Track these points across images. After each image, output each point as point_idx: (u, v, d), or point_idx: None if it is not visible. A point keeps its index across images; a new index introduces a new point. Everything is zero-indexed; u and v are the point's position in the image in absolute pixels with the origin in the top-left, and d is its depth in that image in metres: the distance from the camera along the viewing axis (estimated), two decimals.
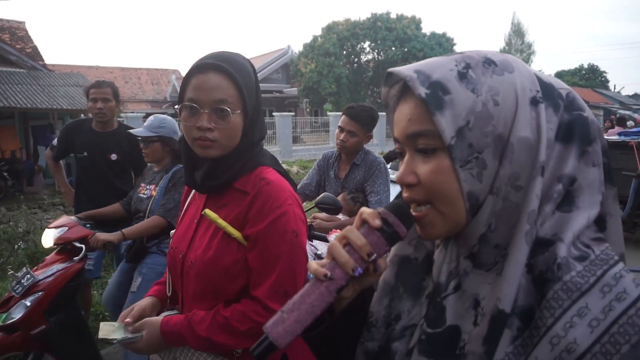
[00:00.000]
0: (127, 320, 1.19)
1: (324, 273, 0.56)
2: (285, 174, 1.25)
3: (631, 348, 0.46)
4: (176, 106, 1.16)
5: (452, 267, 0.61)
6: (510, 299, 0.52)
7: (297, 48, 27.46)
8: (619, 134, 6.77)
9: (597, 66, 42.71)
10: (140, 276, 2.38)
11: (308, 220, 2.45)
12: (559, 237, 0.54)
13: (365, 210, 0.60)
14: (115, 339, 1.16)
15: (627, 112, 25.79)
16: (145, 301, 1.30)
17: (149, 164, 2.73)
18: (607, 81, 42.39)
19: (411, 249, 0.69)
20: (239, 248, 1.14)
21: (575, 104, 0.58)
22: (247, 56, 1.22)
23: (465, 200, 0.56)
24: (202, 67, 1.10)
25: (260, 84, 1.26)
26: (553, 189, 0.55)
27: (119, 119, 3.30)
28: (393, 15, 25.31)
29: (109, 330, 1.20)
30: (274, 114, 17.67)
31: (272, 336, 0.55)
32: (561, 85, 0.59)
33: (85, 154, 3.03)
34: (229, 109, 1.10)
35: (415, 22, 25.08)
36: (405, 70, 0.58)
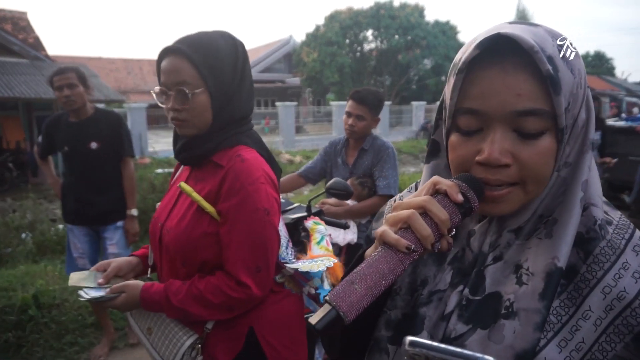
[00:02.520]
0: (100, 281, 1.24)
1: (407, 245, 0.52)
2: (269, 157, 1.27)
3: None
4: (156, 89, 1.22)
5: (493, 239, 0.62)
6: (567, 257, 0.55)
7: (300, 37, 27.31)
8: (626, 119, 6.74)
9: (603, 53, 42.24)
10: None
11: (317, 205, 2.46)
12: (590, 202, 0.59)
13: (441, 180, 0.56)
14: (93, 297, 1.18)
15: (634, 99, 25.53)
16: (123, 259, 1.33)
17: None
18: (614, 68, 41.90)
19: None
20: (210, 222, 1.17)
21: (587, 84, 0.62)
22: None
23: (551, 179, 0.58)
24: (164, 52, 1.17)
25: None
26: None
27: (119, 109, 3.18)
28: (396, 3, 25.06)
29: (79, 278, 1.25)
30: (276, 103, 17.59)
31: (341, 309, 0.50)
32: None
33: (66, 148, 2.77)
34: (187, 90, 1.14)
35: (419, 10, 24.81)
36: (527, 38, 0.52)
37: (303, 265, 1.32)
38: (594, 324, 0.54)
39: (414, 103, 21.06)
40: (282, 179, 2.68)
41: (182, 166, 1.38)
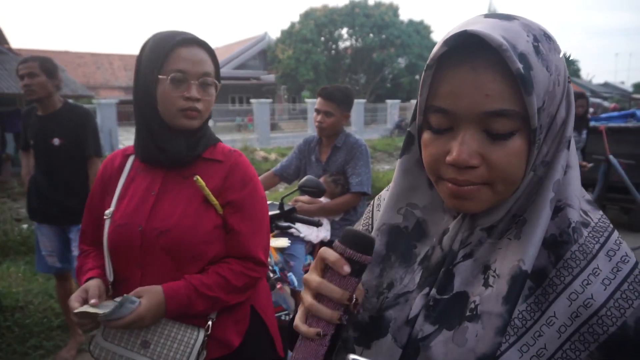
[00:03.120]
0: (93, 301, 1.09)
1: (316, 332, 0.56)
2: None
3: None
4: (160, 76, 1.14)
5: (464, 236, 0.61)
6: (532, 260, 0.54)
7: (275, 34, 27.15)
8: (591, 119, 6.98)
9: (569, 55, 43.64)
10: None
11: (290, 203, 2.45)
12: (566, 203, 0.57)
13: (326, 254, 0.57)
14: (111, 310, 1.02)
15: (598, 100, 26.52)
16: (92, 283, 1.15)
17: None
18: (579, 69, 43.40)
19: (400, 217, 0.67)
20: (216, 215, 1.21)
21: (569, 80, 0.61)
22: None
23: (523, 179, 0.56)
24: (188, 41, 1.17)
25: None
26: None
27: (88, 105, 3.00)
28: (371, 2, 25.22)
29: (80, 311, 1.06)
30: (251, 100, 17.45)
31: None
32: None
33: (32, 142, 2.66)
34: (214, 81, 1.21)
35: (393, 9, 25.05)
36: (495, 36, 0.49)
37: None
38: (558, 330, 0.53)
39: (389, 101, 21.25)
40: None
41: (127, 165, 1.27)
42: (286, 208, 2.27)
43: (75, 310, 1.07)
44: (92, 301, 1.09)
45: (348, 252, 0.56)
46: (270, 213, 2.19)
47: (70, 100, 3.15)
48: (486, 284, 0.56)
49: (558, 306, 0.53)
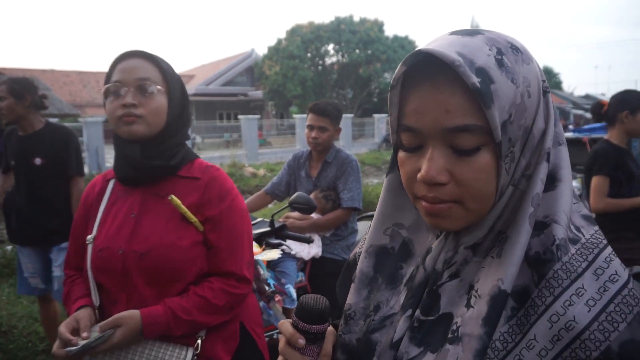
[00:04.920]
0: (85, 334, 1.09)
1: None
2: None
3: (628, 326, 0.49)
4: (101, 90, 1.21)
5: (448, 256, 0.59)
6: (512, 279, 0.52)
7: (262, 51, 27.36)
8: (573, 130, 7.11)
9: (551, 68, 44.59)
10: None
11: (281, 219, 2.43)
12: (553, 219, 0.54)
13: (283, 327, 0.64)
14: (85, 343, 1.04)
15: (580, 112, 27.03)
16: (83, 312, 1.17)
17: None
18: (561, 82, 44.33)
19: (387, 238, 0.67)
20: (196, 233, 1.20)
21: (548, 88, 0.60)
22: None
23: (497, 194, 0.55)
24: (125, 54, 1.21)
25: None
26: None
27: (74, 124, 2.94)
28: (356, 19, 25.58)
29: (70, 349, 1.06)
30: (239, 116, 17.45)
31: None
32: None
33: (13, 162, 2.63)
34: (152, 84, 1.17)
35: (378, 25, 25.42)
36: (449, 53, 0.50)
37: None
38: (539, 354, 0.50)
39: (376, 115, 21.43)
40: (249, 199, 2.64)
41: (105, 192, 1.27)
42: (277, 225, 2.26)
43: (73, 349, 1.06)
44: (84, 334, 1.09)
45: (301, 324, 0.62)
46: (261, 230, 2.17)
47: (56, 120, 3.12)
48: (468, 305, 0.55)
49: (538, 328, 0.51)
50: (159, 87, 1.18)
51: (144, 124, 1.17)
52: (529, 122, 0.54)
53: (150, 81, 1.17)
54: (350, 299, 0.67)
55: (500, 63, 0.52)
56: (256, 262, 1.58)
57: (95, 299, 1.21)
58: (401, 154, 0.59)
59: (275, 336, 2.23)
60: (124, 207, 1.23)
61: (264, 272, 1.62)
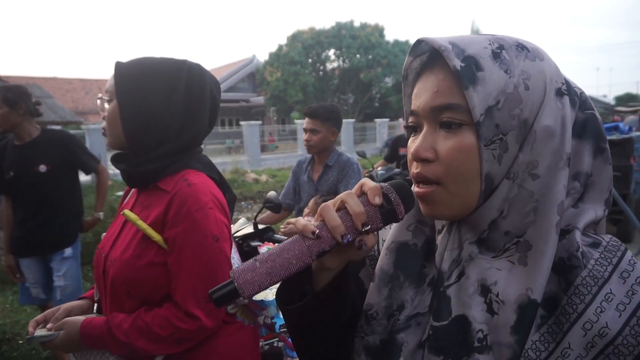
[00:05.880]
0: (49, 325, 1.14)
1: (313, 230, 0.53)
2: (220, 181, 1.23)
3: None
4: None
5: (454, 254, 0.59)
6: (542, 290, 0.52)
7: (263, 57, 27.47)
8: None
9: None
10: None
11: (282, 226, 2.42)
12: (574, 226, 0.56)
13: (367, 182, 0.56)
14: (34, 336, 1.11)
15: None
16: (74, 303, 1.25)
17: None
18: None
19: (409, 234, 0.65)
20: (157, 252, 1.10)
21: (588, 104, 0.59)
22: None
23: (482, 181, 0.55)
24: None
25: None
26: (570, 185, 0.56)
27: (77, 131, 2.94)
28: (357, 24, 25.68)
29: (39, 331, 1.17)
30: (240, 122, 17.50)
31: (237, 282, 0.51)
32: (575, 84, 0.60)
33: (12, 173, 2.57)
34: (106, 96, 1.18)
35: (379, 30, 25.52)
36: (440, 40, 0.55)
37: (261, 293, 1.27)
38: None
39: (377, 120, 21.44)
40: (265, 216, 2.60)
41: (131, 192, 1.32)
42: (260, 227, 2.26)
43: (27, 337, 1.15)
44: (49, 325, 1.14)
45: (387, 188, 0.55)
46: (244, 232, 2.16)
47: (58, 127, 3.13)
48: (491, 311, 0.54)
49: (573, 336, 0.51)
50: (107, 97, 1.17)
51: (107, 136, 1.20)
52: (528, 115, 0.54)
53: (107, 93, 1.17)
54: (371, 298, 0.64)
55: (496, 55, 0.54)
56: (261, 301, 1.32)
57: (96, 293, 1.25)
58: (410, 139, 0.62)
59: (275, 344, 2.22)
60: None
61: (270, 308, 1.38)
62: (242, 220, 2.23)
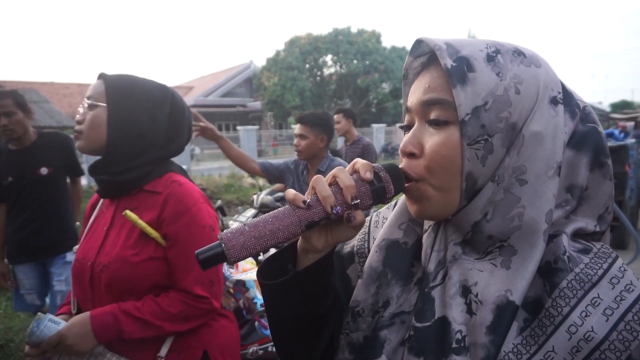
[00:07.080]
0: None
1: (303, 199, 0.54)
2: (192, 182, 1.37)
3: None
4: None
5: (440, 256, 0.59)
6: (523, 292, 0.52)
7: (260, 62, 27.53)
8: None
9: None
10: None
11: None
12: (562, 231, 0.55)
13: (359, 160, 0.59)
14: (31, 335, 1.10)
15: None
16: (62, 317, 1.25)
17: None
18: None
19: (400, 233, 0.65)
20: (156, 247, 1.19)
21: (590, 118, 0.58)
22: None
23: (463, 179, 0.55)
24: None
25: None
26: (562, 197, 0.56)
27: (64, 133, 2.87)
28: (354, 30, 25.80)
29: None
30: (237, 127, 17.52)
31: (225, 244, 0.52)
32: (579, 97, 0.59)
33: (11, 179, 2.53)
34: (90, 101, 1.20)
35: (376, 36, 25.64)
36: (437, 40, 0.57)
37: (245, 275, 1.42)
38: None
39: (374, 125, 21.51)
40: (238, 151, 2.62)
41: (99, 203, 1.34)
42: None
43: (28, 332, 1.14)
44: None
45: (378, 167, 0.58)
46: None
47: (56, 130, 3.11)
48: (470, 312, 0.53)
49: (557, 340, 0.50)
50: (92, 102, 1.20)
51: (83, 139, 1.21)
52: (517, 119, 0.54)
53: (92, 98, 1.20)
54: (358, 295, 0.64)
55: (490, 58, 0.55)
56: (243, 282, 1.51)
57: (73, 306, 1.26)
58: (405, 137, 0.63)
59: (269, 349, 2.21)
60: (102, 220, 1.28)
61: (251, 290, 1.54)
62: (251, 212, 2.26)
